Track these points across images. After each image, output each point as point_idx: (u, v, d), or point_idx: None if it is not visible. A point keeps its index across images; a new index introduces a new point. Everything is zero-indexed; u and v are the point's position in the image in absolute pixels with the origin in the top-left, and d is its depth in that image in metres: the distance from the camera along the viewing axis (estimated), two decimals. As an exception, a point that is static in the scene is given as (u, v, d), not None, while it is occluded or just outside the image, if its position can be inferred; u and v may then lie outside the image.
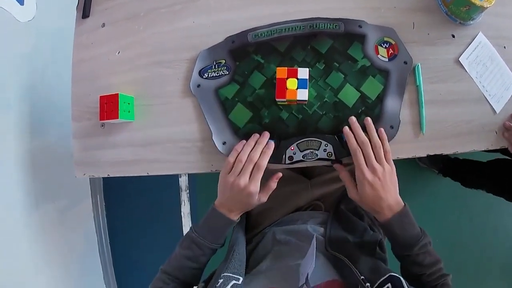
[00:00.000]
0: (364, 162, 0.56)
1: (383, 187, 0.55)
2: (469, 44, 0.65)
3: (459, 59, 0.65)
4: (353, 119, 0.61)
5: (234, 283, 0.48)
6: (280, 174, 0.63)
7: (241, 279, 0.49)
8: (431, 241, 0.57)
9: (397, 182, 0.57)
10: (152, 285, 0.61)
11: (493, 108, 0.65)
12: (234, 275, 0.50)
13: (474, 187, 1.24)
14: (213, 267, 0.59)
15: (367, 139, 0.58)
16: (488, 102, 0.65)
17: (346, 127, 0.60)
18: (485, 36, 0.66)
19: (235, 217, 0.62)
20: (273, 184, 0.63)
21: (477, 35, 0.66)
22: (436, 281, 0.56)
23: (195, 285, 0.63)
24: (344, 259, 0.51)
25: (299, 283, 0.47)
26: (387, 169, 0.56)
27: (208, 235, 0.61)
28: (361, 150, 0.57)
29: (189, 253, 0.61)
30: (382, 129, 0.60)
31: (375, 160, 0.56)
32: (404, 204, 0.57)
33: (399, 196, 0.57)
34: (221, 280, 0.48)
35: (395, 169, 0.57)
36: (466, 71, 0.65)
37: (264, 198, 0.63)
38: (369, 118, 0.61)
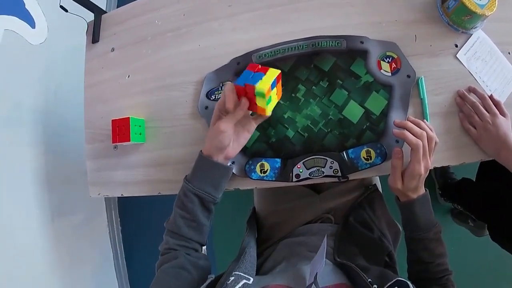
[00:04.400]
0: (421, 158, 0.55)
1: (423, 180, 0.58)
2: (467, 40, 0.65)
3: (457, 55, 0.65)
4: (397, 121, 0.59)
5: (245, 283, 0.48)
6: (245, 102, 0.57)
7: (252, 279, 0.50)
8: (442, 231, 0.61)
9: None
10: (160, 246, 0.63)
11: None
12: (245, 275, 0.50)
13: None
14: (222, 269, 0.58)
15: (423, 131, 0.56)
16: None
17: (395, 130, 0.58)
18: (484, 33, 0.65)
19: (214, 156, 0.61)
20: (238, 111, 0.57)
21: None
22: (441, 274, 0.59)
23: (199, 244, 0.63)
24: (352, 265, 0.52)
25: (307, 282, 0.49)
26: (431, 161, 0.58)
27: (192, 179, 0.62)
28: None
29: (179, 202, 0.62)
30: (425, 122, 0.58)
31: (428, 154, 0.56)
32: (426, 189, 0.60)
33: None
34: (232, 278, 0.48)
35: None
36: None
37: (225, 123, 0.58)
38: (411, 117, 0.58)
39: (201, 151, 0.62)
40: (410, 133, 0.56)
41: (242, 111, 0.57)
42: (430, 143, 0.56)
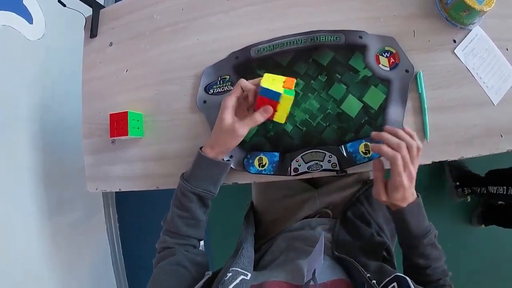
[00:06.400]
0: (403, 168, 0.53)
1: (411, 188, 0.56)
2: (466, 36, 0.65)
3: (454, 51, 0.65)
4: (374, 133, 0.57)
5: (243, 278, 0.48)
6: (271, 110, 0.57)
7: (249, 275, 0.50)
8: (437, 235, 0.59)
9: None
10: (157, 244, 0.62)
11: (491, 100, 0.64)
12: (243, 271, 0.50)
13: None
14: (220, 265, 0.58)
15: (400, 141, 0.54)
16: (486, 94, 0.64)
17: (374, 144, 0.56)
18: (482, 29, 0.65)
19: (212, 153, 0.60)
20: (258, 116, 0.57)
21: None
22: (438, 276, 0.58)
23: (197, 239, 0.64)
24: (350, 260, 0.52)
25: (305, 277, 0.49)
26: (416, 168, 0.55)
27: (190, 178, 0.61)
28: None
29: (176, 201, 0.62)
30: (405, 127, 0.57)
31: (411, 164, 0.54)
32: (418, 195, 0.58)
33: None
34: (230, 274, 0.48)
35: None
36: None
37: (243, 128, 0.58)
38: (386, 126, 0.57)
39: (201, 149, 0.62)
40: (388, 144, 0.54)
41: (264, 119, 0.57)
42: (411, 151, 0.54)
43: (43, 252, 1.20)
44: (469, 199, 1.38)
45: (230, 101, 0.57)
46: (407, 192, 0.55)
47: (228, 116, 0.57)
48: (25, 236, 1.14)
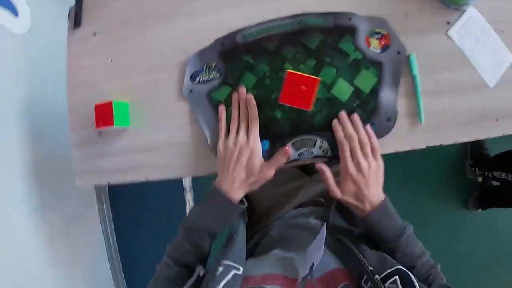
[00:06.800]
0: (349, 156, 0.56)
1: (366, 184, 0.55)
2: (460, 18, 0.63)
3: (448, 32, 0.63)
4: (342, 113, 0.60)
5: (235, 273, 0.46)
6: (290, 151, 0.60)
7: (242, 269, 0.48)
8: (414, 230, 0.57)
9: (382, 179, 0.58)
10: (159, 267, 0.61)
11: (487, 83, 0.63)
12: (234, 264, 0.48)
13: None
14: (216, 252, 0.57)
15: (354, 133, 0.57)
16: (482, 77, 0.63)
17: (335, 120, 0.60)
18: (476, 10, 0.63)
19: (236, 195, 0.58)
20: (281, 157, 0.59)
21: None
22: (428, 272, 0.55)
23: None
24: (351, 246, 0.51)
25: (300, 270, 0.47)
26: (373, 166, 0.56)
27: (207, 219, 0.59)
28: (348, 143, 0.57)
29: (189, 238, 0.60)
30: (368, 126, 0.59)
31: (361, 155, 0.56)
32: (384, 197, 0.57)
33: (382, 192, 0.57)
34: (221, 269, 0.46)
35: (383, 166, 0.58)
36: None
37: (271, 171, 0.59)
38: (355, 115, 0.60)
39: (213, 184, 0.60)
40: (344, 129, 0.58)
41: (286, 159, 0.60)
42: (363, 147, 0.56)
43: (38, 248, 1.19)
44: (480, 180, 1.38)
45: (258, 143, 0.60)
46: (361, 188, 0.55)
47: (258, 162, 0.59)
48: (19, 232, 1.13)
